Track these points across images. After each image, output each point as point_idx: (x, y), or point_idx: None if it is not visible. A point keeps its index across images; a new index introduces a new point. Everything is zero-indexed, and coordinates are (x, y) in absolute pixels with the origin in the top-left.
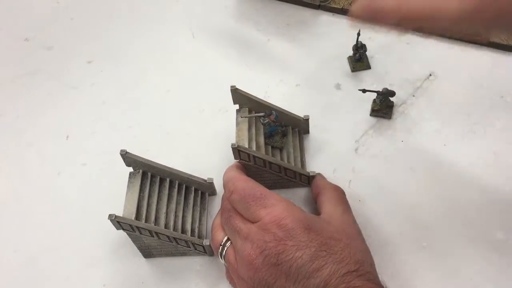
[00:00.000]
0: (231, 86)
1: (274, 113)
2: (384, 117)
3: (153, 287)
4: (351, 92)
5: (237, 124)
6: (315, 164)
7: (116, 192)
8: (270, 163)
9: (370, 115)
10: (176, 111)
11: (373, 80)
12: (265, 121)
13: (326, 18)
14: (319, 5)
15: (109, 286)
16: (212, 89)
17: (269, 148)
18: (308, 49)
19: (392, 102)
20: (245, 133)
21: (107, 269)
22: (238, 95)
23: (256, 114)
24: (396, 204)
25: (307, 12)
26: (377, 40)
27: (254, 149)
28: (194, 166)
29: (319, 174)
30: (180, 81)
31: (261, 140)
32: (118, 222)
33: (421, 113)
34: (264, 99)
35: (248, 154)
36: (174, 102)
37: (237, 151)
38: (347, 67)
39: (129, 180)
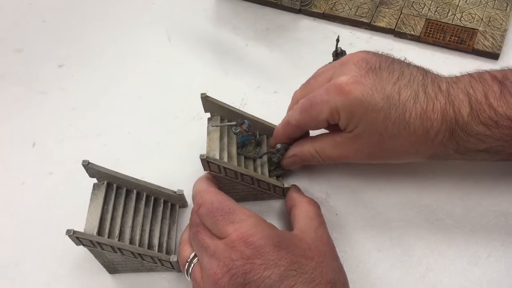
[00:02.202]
0: (202, 94)
1: (247, 122)
2: (284, 172)
3: None
4: None
5: (208, 133)
6: (291, 175)
7: (83, 204)
8: (242, 174)
9: (271, 176)
10: (148, 118)
11: None
12: (237, 131)
13: (306, 23)
14: (299, 9)
15: None
16: (186, 95)
17: (242, 158)
18: (287, 54)
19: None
20: (217, 143)
21: (70, 285)
22: (209, 103)
23: (228, 123)
24: (375, 218)
25: (287, 17)
26: (358, 46)
27: (226, 160)
28: (166, 177)
29: (294, 185)
30: (153, 87)
31: (234, 150)
32: (77, 238)
33: None
34: (241, 107)
35: (219, 166)
36: (146, 109)
37: (206, 162)
38: None
39: (92, 192)
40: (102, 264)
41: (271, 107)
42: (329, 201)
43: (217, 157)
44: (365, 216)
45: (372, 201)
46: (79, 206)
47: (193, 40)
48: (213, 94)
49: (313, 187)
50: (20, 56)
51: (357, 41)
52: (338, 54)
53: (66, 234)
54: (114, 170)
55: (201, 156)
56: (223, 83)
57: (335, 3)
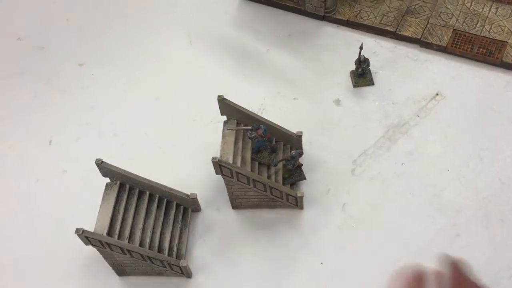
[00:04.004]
0: (219, 96)
1: (263, 127)
2: (299, 180)
3: None
4: (352, 108)
5: (223, 136)
6: (308, 183)
7: (96, 203)
8: (255, 180)
9: (285, 184)
10: (165, 120)
11: (376, 97)
12: (252, 135)
13: (330, 30)
14: (323, 16)
15: None
16: (205, 98)
17: (256, 164)
18: (309, 61)
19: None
20: (231, 146)
21: (77, 285)
22: (225, 106)
23: (243, 127)
24: (392, 231)
25: (311, 23)
26: (382, 55)
27: (239, 165)
28: (180, 179)
29: (454, 262)
30: (171, 89)
31: (248, 155)
32: (86, 237)
33: (425, 134)
34: (259, 112)
35: (231, 170)
36: (164, 110)
37: (218, 165)
38: (349, 82)
39: (104, 192)
40: (111, 266)
41: (290, 114)
42: (346, 211)
43: (230, 161)
44: (381, 229)
45: (389, 215)
46: (92, 205)
47: (214, 44)
48: (232, 98)
49: (329, 197)
50: (42, 54)
51: (381, 50)
52: (361, 62)
53: (75, 233)
54: (129, 170)
55: (213, 159)
56: (242, 87)
57: (359, 10)
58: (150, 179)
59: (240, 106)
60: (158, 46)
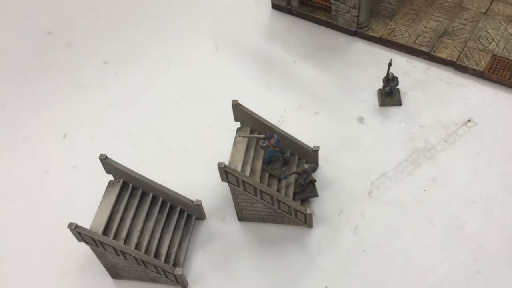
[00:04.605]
0: (233, 101)
1: (276, 136)
2: (311, 197)
3: None
4: (375, 128)
5: (235, 143)
6: (321, 201)
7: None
8: (262, 192)
9: (295, 199)
10: (181, 124)
11: (402, 118)
12: (264, 144)
13: (361, 46)
14: (355, 32)
15: None
16: (224, 105)
17: (266, 176)
18: (336, 76)
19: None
20: (241, 154)
21: (70, 284)
22: (239, 112)
23: (256, 135)
24: (406, 261)
25: (342, 38)
26: (413, 75)
27: (248, 174)
28: (187, 185)
29: None
30: (191, 93)
31: (259, 165)
32: (79, 233)
33: (452, 161)
34: (278, 123)
35: (237, 178)
36: (181, 114)
37: (224, 172)
38: (375, 100)
39: (106, 189)
40: (105, 267)
41: (310, 128)
42: (357, 234)
43: (239, 169)
44: (394, 257)
45: (404, 244)
46: (96, 203)
47: (240, 52)
48: (251, 107)
49: (341, 218)
50: (69, 50)
51: (413, 70)
52: (389, 79)
53: (67, 227)
54: (137, 171)
55: (219, 164)
56: (264, 97)
57: (394, 28)
58: (157, 181)
59: (255, 114)
60: (184, 50)
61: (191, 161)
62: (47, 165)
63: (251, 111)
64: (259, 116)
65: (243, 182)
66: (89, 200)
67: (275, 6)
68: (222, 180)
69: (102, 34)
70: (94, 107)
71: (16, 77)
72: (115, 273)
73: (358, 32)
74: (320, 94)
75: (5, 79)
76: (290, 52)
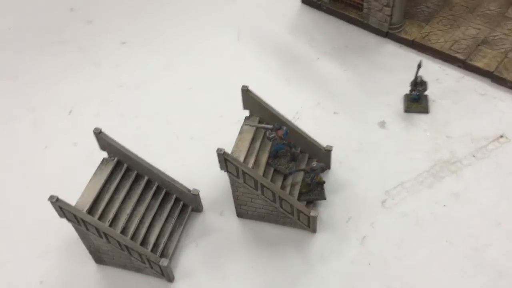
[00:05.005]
0: (243, 86)
1: (285, 128)
2: (318, 199)
3: None
4: (397, 134)
5: (241, 132)
6: (328, 205)
7: None
8: (263, 186)
9: (300, 200)
10: (191, 111)
11: (428, 126)
12: (271, 135)
13: (391, 48)
14: (387, 33)
15: (46, 285)
16: (238, 97)
17: (271, 170)
18: (360, 77)
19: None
20: (246, 144)
21: (51, 264)
22: (249, 98)
23: (263, 125)
24: (415, 280)
25: (372, 38)
26: (445, 83)
27: (251, 166)
28: (188, 174)
29: None
30: (206, 80)
31: (264, 158)
32: (60, 208)
33: (478, 178)
34: (293, 119)
35: (237, 167)
36: (193, 101)
37: (224, 159)
38: (400, 106)
39: (98, 166)
40: (88, 250)
41: (326, 127)
42: (365, 245)
43: (241, 159)
44: (403, 274)
45: (416, 261)
46: None
47: (262, 43)
48: (268, 100)
49: (348, 226)
50: (89, 27)
51: (445, 78)
52: (417, 83)
53: (48, 200)
54: (140, 155)
55: (218, 150)
56: (282, 92)
57: (429, 32)
58: (159, 168)
59: (266, 103)
60: (205, 37)
61: (196, 150)
62: (48, 139)
63: (261, 99)
64: (270, 106)
65: (243, 173)
66: (85, 179)
67: (305, 1)
68: (221, 168)
69: (124, 14)
70: (105, 86)
71: (32, 50)
72: (98, 258)
73: (389, 33)
74: (342, 93)
75: (21, 51)
76: (315, 48)
